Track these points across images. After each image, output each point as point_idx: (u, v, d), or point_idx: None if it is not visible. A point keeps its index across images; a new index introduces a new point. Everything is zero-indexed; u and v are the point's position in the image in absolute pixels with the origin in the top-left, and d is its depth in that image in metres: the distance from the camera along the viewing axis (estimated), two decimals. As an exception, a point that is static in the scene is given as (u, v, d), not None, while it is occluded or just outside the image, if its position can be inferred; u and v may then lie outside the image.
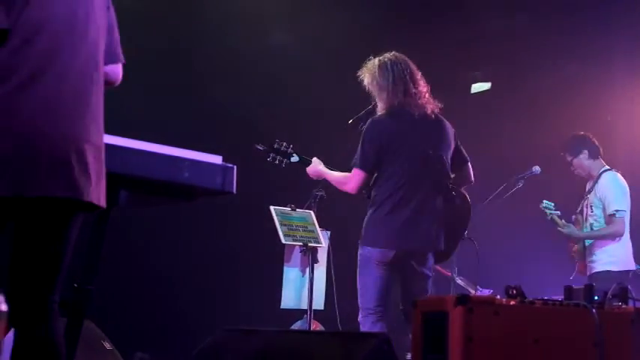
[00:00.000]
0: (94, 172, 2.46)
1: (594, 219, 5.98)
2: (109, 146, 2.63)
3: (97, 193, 2.48)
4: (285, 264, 5.59)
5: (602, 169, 6.06)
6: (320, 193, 5.50)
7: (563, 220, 6.05)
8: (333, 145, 5.49)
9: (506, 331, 2.93)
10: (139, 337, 6.42)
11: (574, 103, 7.33)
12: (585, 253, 6.01)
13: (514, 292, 3.06)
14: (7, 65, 2.36)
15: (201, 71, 7.36)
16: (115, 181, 2.71)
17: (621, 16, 7.26)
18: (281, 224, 5.32)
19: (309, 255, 5.38)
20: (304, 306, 5.45)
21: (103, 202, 2.52)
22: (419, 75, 4.69)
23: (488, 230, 6.00)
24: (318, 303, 5.56)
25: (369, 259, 4.52)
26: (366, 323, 4.49)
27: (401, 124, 4.59)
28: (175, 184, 2.84)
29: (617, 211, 5.86)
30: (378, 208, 4.55)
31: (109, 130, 2.69)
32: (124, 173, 2.70)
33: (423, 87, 4.67)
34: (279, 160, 5.23)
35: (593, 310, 3.04)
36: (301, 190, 5.68)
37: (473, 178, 4.90)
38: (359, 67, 4.85)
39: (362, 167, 4.59)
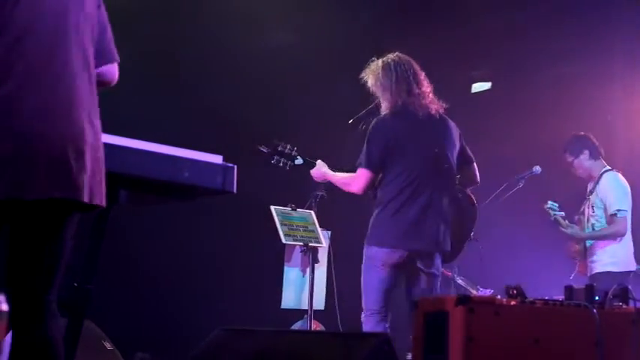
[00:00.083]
0: (92, 172, 2.46)
1: (596, 219, 5.98)
2: (109, 146, 2.63)
3: (96, 193, 2.48)
4: (285, 264, 5.60)
5: (603, 170, 6.06)
6: (320, 193, 5.51)
7: (566, 221, 6.05)
8: (333, 145, 5.49)
9: (506, 331, 2.93)
10: (140, 337, 6.42)
11: (574, 102, 7.33)
12: (586, 253, 6.01)
13: (514, 292, 3.06)
14: (1, 65, 2.35)
15: (202, 71, 7.36)
16: (115, 180, 2.71)
17: (620, 16, 7.26)
18: (281, 224, 5.32)
19: (310, 255, 5.38)
20: (305, 306, 5.45)
21: (103, 201, 2.52)
22: (422, 75, 4.69)
23: (488, 230, 6.00)
24: (319, 303, 5.57)
25: (375, 260, 4.50)
26: (369, 323, 4.48)
27: (406, 124, 4.59)
28: (175, 184, 2.84)
29: (618, 210, 5.86)
30: (384, 208, 4.54)
31: (110, 130, 2.69)
32: (124, 173, 2.70)
33: (427, 87, 4.67)
34: (283, 163, 5.19)
35: (594, 311, 3.04)
36: (302, 190, 5.68)
37: (479, 179, 4.89)
38: (359, 66, 4.85)
39: (367, 167, 4.58)
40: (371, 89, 4.73)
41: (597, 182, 6.03)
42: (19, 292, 2.43)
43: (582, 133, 6.20)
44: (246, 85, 7.41)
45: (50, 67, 2.43)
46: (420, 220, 4.50)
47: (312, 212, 5.51)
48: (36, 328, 2.41)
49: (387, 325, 4.50)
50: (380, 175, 4.61)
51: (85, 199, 2.42)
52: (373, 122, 4.64)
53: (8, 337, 2.47)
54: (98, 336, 4.50)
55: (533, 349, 2.94)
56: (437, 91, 4.79)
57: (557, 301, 3.15)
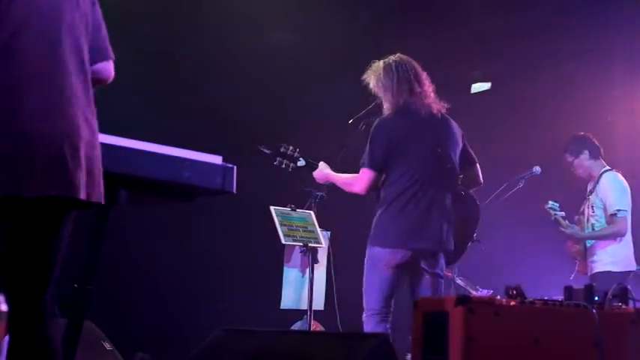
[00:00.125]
0: (89, 169, 2.45)
1: (596, 219, 5.99)
2: (109, 146, 2.63)
3: (94, 190, 2.47)
4: (285, 264, 5.60)
5: (603, 170, 6.06)
6: (320, 194, 5.50)
7: (566, 221, 6.05)
8: (333, 146, 5.49)
9: (506, 332, 2.93)
10: (139, 337, 6.42)
11: (574, 103, 7.33)
12: (586, 253, 6.02)
13: (514, 292, 3.06)
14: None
15: (202, 71, 7.36)
16: (115, 180, 2.71)
17: (620, 16, 7.26)
18: (281, 224, 5.32)
19: (309, 255, 5.38)
20: (304, 306, 5.45)
21: (100, 199, 2.51)
22: (424, 75, 4.68)
23: (488, 230, 5.99)
24: (318, 303, 5.56)
25: (378, 260, 4.49)
26: (370, 323, 4.47)
27: (408, 123, 4.59)
28: (175, 184, 2.84)
29: (618, 210, 5.86)
30: (387, 207, 4.53)
31: (110, 131, 2.69)
32: (124, 173, 2.70)
33: (429, 87, 4.67)
34: (285, 165, 5.18)
35: (594, 311, 3.05)
36: (301, 191, 5.68)
37: (482, 180, 4.88)
38: (359, 66, 4.86)
39: (370, 167, 4.57)
40: (373, 90, 4.73)
41: (597, 182, 6.03)
42: (16, 290, 2.42)
43: (582, 133, 6.21)
44: (247, 85, 7.41)
45: (46, 64, 2.42)
46: (424, 219, 4.49)
47: (312, 213, 5.51)
48: (34, 328, 2.40)
49: (388, 326, 4.49)
50: (383, 176, 4.60)
51: (82, 196, 2.41)
52: (376, 122, 4.64)
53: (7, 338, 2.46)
54: (98, 336, 4.50)
55: (532, 349, 2.94)
56: (437, 92, 4.79)
57: (557, 301, 3.15)
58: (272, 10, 7.39)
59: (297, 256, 5.54)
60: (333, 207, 5.74)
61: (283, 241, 5.34)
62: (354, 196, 5.00)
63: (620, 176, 6.05)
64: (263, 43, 7.61)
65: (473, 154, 4.84)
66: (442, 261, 4.61)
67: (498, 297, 3.09)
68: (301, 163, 5.13)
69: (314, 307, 5.39)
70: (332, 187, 5.19)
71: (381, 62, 4.71)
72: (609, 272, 5.79)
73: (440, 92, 4.82)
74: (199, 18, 7.29)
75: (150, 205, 3.80)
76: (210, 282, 7.22)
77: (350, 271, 6.10)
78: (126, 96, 6.66)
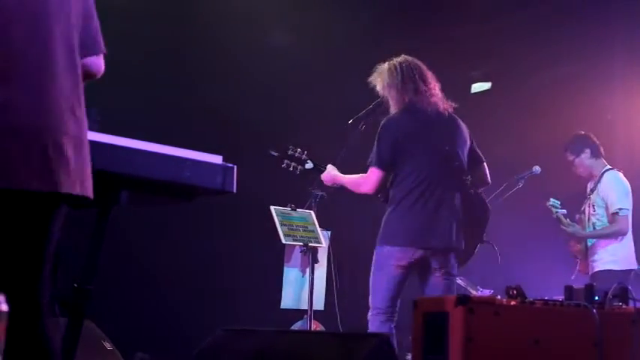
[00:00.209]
0: (74, 164, 2.39)
1: (597, 218, 5.99)
2: (109, 146, 2.62)
3: (78, 184, 2.40)
4: (285, 264, 5.59)
5: (604, 169, 6.07)
6: (320, 193, 5.50)
7: (567, 220, 6.05)
8: (333, 145, 5.49)
9: (506, 332, 2.93)
10: (140, 337, 6.42)
11: (574, 102, 7.33)
12: (587, 252, 6.02)
13: (514, 292, 3.06)
14: None
15: (202, 71, 7.36)
16: (115, 181, 2.71)
17: (620, 15, 7.27)
18: (281, 224, 5.32)
19: (310, 255, 5.38)
20: (304, 306, 5.45)
21: (87, 192, 2.44)
22: (430, 75, 4.68)
23: (488, 230, 6.00)
24: (319, 303, 5.56)
25: (387, 258, 4.46)
26: (375, 322, 4.45)
27: (415, 122, 4.58)
28: (176, 184, 2.83)
29: (620, 209, 5.87)
30: (396, 206, 4.51)
31: (110, 130, 2.69)
32: (124, 173, 2.69)
33: (435, 86, 4.66)
34: (293, 167, 5.18)
35: (594, 311, 3.05)
36: (302, 190, 5.68)
37: (489, 179, 4.86)
38: (359, 66, 4.86)
39: (378, 165, 4.56)
40: (380, 93, 4.73)
41: (598, 181, 6.04)
42: (8, 289, 2.38)
43: (583, 132, 6.21)
44: (247, 85, 7.41)
45: (32, 56, 2.37)
46: (433, 218, 4.47)
47: (312, 212, 5.51)
48: (30, 328, 2.35)
49: (393, 325, 4.46)
50: (391, 175, 4.59)
51: (64, 190, 2.35)
52: (383, 121, 4.63)
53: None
54: (98, 336, 4.50)
55: (533, 349, 2.95)
56: (437, 91, 4.79)
57: (557, 301, 3.15)
58: (272, 10, 7.40)
59: (297, 255, 5.54)
60: (334, 207, 5.74)
61: (283, 241, 5.34)
62: (354, 196, 5.00)
63: (621, 175, 6.06)
64: (263, 43, 7.61)
65: (480, 153, 4.82)
66: (453, 260, 4.57)
67: (499, 297, 3.09)
68: (309, 165, 5.13)
69: (314, 307, 5.38)
70: (333, 188, 5.19)
71: (386, 64, 4.72)
72: (610, 271, 5.79)
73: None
74: (200, 18, 7.30)
75: (150, 205, 3.80)
76: (211, 282, 7.21)
77: (350, 271, 6.11)
78: (126, 96, 6.68)
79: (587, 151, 6.09)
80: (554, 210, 6.07)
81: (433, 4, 7.54)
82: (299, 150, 5.18)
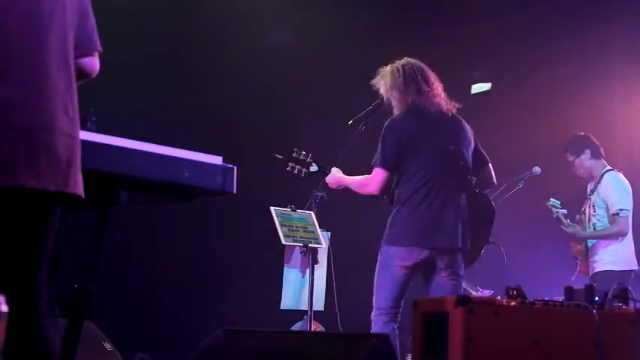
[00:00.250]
0: (65, 162, 2.38)
1: (597, 219, 5.99)
2: (109, 146, 2.62)
3: (69, 182, 2.39)
4: (285, 265, 5.59)
5: (605, 169, 6.06)
6: (320, 194, 5.50)
7: (568, 220, 6.05)
8: (333, 146, 5.49)
9: (506, 332, 2.93)
10: (140, 338, 6.42)
11: (573, 102, 7.33)
12: (588, 253, 6.02)
13: (514, 292, 3.06)
14: None
15: (202, 71, 7.36)
16: (115, 181, 2.71)
17: (620, 16, 7.26)
18: (281, 225, 5.32)
19: (310, 256, 5.37)
20: (304, 307, 5.44)
21: (78, 191, 2.42)
22: (433, 76, 4.69)
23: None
24: (319, 304, 5.56)
25: (392, 258, 4.46)
26: (378, 322, 4.43)
27: (419, 122, 4.59)
28: (175, 185, 2.84)
29: (620, 210, 5.86)
30: (402, 206, 4.51)
31: (110, 130, 2.69)
32: (124, 174, 2.69)
33: (437, 86, 4.67)
34: (298, 170, 5.17)
35: (594, 311, 3.05)
36: (302, 191, 5.68)
37: (495, 180, 4.86)
38: (359, 66, 4.87)
39: (383, 166, 4.56)
40: (383, 95, 4.73)
41: (599, 182, 6.03)
42: (3, 288, 2.35)
43: (583, 133, 6.21)
44: (247, 85, 7.42)
45: (28, 56, 2.36)
46: (439, 217, 4.46)
47: (312, 213, 5.50)
48: (26, 328, 2.33)
49: (396, 326, 4.44)
50: (396, 175, 4.59)
51: (54, 188, 2.34)
52: (387, 122, 4.63)
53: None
54: (98, 337, 4.49)
55: (532, 349, 2.94)
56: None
57: (557, 301, 3.15)
58: (272, 10, 7.40)
59: (297, 256, 5.53)
60: (334, 207, 5.74)
61: (283, 242, 5.33)
62: (354, 197, 5.00)
63: (621, 176, 6.06)
64: (263, 43, 7.61)
65: (485, 154, 4.82)
66: (460, 260, 4.56)
67: (499, 297, 3.09)
68: (314, 168, 5.12)
69: (314, 308, 5.38)
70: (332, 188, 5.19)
71: (389, 66, 4.73)
72: (610, 271, 5.79)
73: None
74: (200, 18, 7.30)
75: (150, 205, 3.80)
76: (211, 282, 7.21)
77: (350, 272, 6.10)
78: (126, 96, 6.68)
79: (587, 152, 6.09)
80: (554, 210, 6.07)
81: (433, 4, 7.54)
82: (304, 153, 5.17)
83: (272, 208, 5.37)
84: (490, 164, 4.83)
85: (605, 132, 6.76)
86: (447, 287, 4.48)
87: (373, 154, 4.70)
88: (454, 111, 4.69)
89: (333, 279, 5.63)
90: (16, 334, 2.30)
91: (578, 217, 6.17)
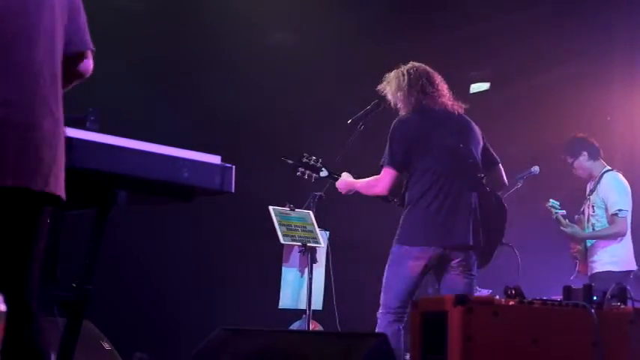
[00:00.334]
0: (48, 162, 2.34)
1: (596, 219, 5.99)
2: (107, 146, 2.62)
3: (50, 182, 2.35)
4: (283, 264, 5.59)
5: (604, 170, 6.07)
6: (319, 193, 5.50)
7: (566, 220, 6.05)
8: (332, 145, 5.49)
9: (505, 331, 2.93)
10: (138, 337, 6.42)
11: (573, 103, 7.33)
12: (587, 253, 6.02)
13: (513, 292, 3.06)
14: None
15: (201, 71, 7.36)
16: (114, 181, 2.71)
17: (620, 16, 7.26)
18: (280, 224, 5.32)
19: (308, 255, 5.38)
20: (302, 306, 5.44)
21: (58, 191, 2.38)
22: (438, 78, 4.70)
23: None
24: (317, 303, 5.56)
25: (405, 258, 4.44)
26: (383, 321, 4.42)
27: (426, 121, 4.59)
28: (174, 184, 2.84)
29: (619, 210, 5.87)
30: (413, 206, 4.50)
31: (109, 130, 2.69)
32: (122, 173, 2.69)
33: (443, 87, 4.68)
34: (308, 175, 5.18)
35: (592, 311, 3.05)
36: (300, 190, 5.68)
37: (506, 180, 4.85)
38: (359, 66, 4.87)
39: (391, 165, 4.55)
40: (390, 100, 4.73)
41: (598, 182, 6.04)
42: None
43: (581, 134, 6.21)
44: (247, 85, 7.41)
45: (16, 51, 2.33)
46: (450, 215, 4.45)
47: (311, 212, 5.51)
48: (17, 329, 2.28)
49: (402, 326, 4.42)
50: (404, 175, 4.58)
51: (36, 187, 2.30)
52: (394, 122, 4.63)
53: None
54: (97, 336, 4.50)
55: (531, 349, 2.95)
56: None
57: (556, 301, 3.15)
58: (272, 10, 7.40)
59: (295, 255, 5.53)
60: (332, 207, 5.74)
61: (282, 241, 5.33)
62: (353, 196, 5.00)
63: (621, 176, 6.06)
64: (263, 43, 7.61)
65: (494, 154, 4.81)
66: (473, 258, 4.54)
67: (497, 297, 3.09)
68: (324, 173, 5.13)
69: (313, 307, 5.38)
70: (331, 187, 5.19)
71: (393, 71, 4.74)
72: (609, 272, 5.79)
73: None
74: (199, 18, 7.30)
75: (149, 205, 3.80)
76: (209, 282, 7.22)
77: (349, 271, 6.10)
78: (125, 96, 6.68)
79: (585, 153, 6.09)
80: (553, 211, 6.08)
81: (433, 4, 7.54)
82: (313, 158, 5.17)
83: (271, 208, 5.38)
84: (500, 164, 4.82)
85: (604, 132, 6.76)
86: (460, 285, 4.46)
87: (373, 153, 4.70)
88: (461, 111, 4.70)
89: (332, 278, 5.63)
90: (9, 334, 2.29)
91: (577, 217, 6.17)
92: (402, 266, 4.45)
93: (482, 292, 6.22)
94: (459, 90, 4.81)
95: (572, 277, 6.04)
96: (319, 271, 5.55)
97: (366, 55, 7.39)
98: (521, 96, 7.78)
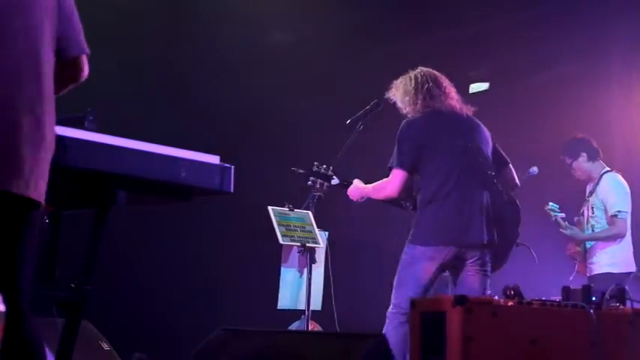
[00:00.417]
0: (29, 164, 2.29)
1: (596, 220, 5.98)
2: (106, 146, 2.62)
3: (30, 186, 2.30)
4: (282, 264, 5.59)
5: (603, 171, 6.05)
6: (318, 194, 5.50)
7: (566, 222, 6.05)
8: (332, 145, 5.49)
9: (504, 332, 2.93)
10: (137, 338, 6.42)
11: (572, 103, 7.33)
12: (586, 254, 6.01)
13: (512, 292, 3.06)
14: None
15: (200, 71, 7.36)
16: (112, 181, 2.71)
17: (619, 16, 7.26)
18: (279, 224, 5.32)
19: (307, 255, 5.38)
20: (301, 306, 5.44)
21: (36, 196, 2.33)
22: (446, 81, 4.70)
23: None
24: (316, 303, 5.56)
25: (419, 259, 4.42)
26: (393, 321, 4.39)
27: (435, 122, 4.59)
28: (173, 184, 2.84)
29: (619, 212, 5.86)
30: (426, 206, 4.49)
31: (108, 131, 2.69)
32: (121, 173, 2.69)
33: (450, 90, 4.68)
34: (319, 184, 5.18)
35: (591, 311, 3.05)
36: (299, 191, 5.68)
37: (517, 181, 4.84)
38: (358, 67, 4.87)
39: (400, 166, 4.53)
40: (399, 105, 4.72)
41: (597, 183, 6.03)
42: None
43: (580, 135, 6.20)
44: (246, 85, 7.41)
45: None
46: (463, 215, 4.44)
47: (310, 213, 5.51)
48: (11, 331, 2.22)
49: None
50: (414, 177, 4.57)
51: (18, 191, 2.26)
52: (402, 124, 4.62)
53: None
54: (96, 336, 4.50)
55: (530, 349, 2.95)
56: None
57: (555, 301, 3.15)
58: (271, 9, 7.40)
59: (294, 256, 5.53)
60: (332, 207, 5.74)
61: (281, 241, 5.33)
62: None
63: (620, 177, 6.05)
64: (262, 43, 7.61)
65: (505, 155, 4.81)
66: (487, 258, 4.52)
67: (496, 297, 3.09)
68: (335, 181, 5.13)
69: (311, 308, 5.38)
70: (330, 187, 5.19)
71: (400, 77, 4.74)
72: (609, 274, 5.78)
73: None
74: (198, 18, 7.30)
75: (148, 205, 3.80)
76: (208, 282, 7.22)
77: (348, 272, 6.10)
78: (124, 96, 6.68)
79: (584, 154, 6.08)
80: (552, 214, 6.07)
81: (432, 4, 7.54)
82: (324, 166, 5.17)
83: (270, 208, 5.38)
84: (511, 165, 4.81)
85: (603, 133, 6.75)
86: (475, 284, 4.45)
87: (372, 153, 4.70)
88: (470, 114, 4.70)
89: (331, 279, 5.63)
90: (6, 335, 2.28)
91: (576, 218, 6.16)
92: (417, 266, 4.43)
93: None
94: (458, 90, 4.81)
95: (570, 278, 6.03)
96: (318, 271, 5.55)
97: (366, 55, 7.39)
98: (519, 96, 7.78)
